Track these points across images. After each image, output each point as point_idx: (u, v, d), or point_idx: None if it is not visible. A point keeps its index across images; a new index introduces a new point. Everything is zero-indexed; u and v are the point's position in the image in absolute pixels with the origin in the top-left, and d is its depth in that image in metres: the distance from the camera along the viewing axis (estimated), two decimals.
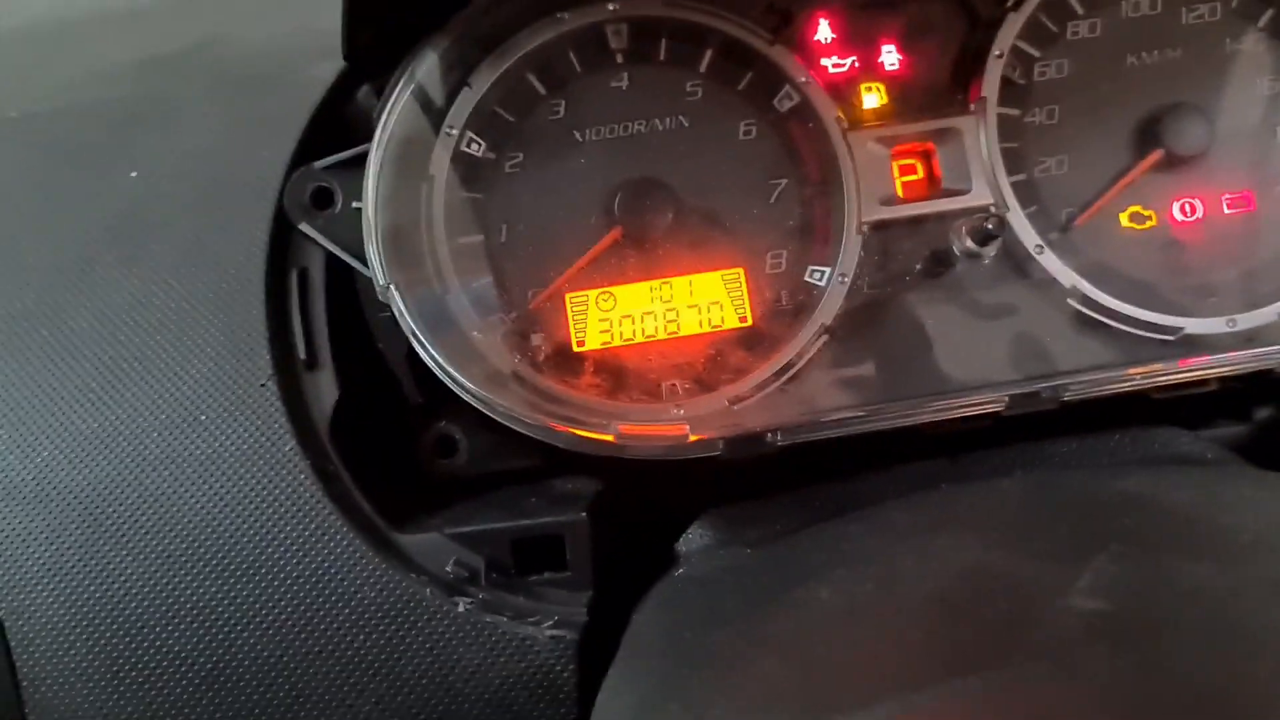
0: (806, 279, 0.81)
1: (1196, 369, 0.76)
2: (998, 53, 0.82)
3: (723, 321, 0.81)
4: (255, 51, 1.02)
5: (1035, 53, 0.84)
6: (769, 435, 0.70)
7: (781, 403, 0.76)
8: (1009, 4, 0.83)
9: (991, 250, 0.78)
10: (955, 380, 0.77)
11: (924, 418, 0.73)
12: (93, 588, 0.71)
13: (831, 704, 0.42)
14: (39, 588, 0.71)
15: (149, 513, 0.72)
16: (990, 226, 0.74)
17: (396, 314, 0.75)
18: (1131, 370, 0.76)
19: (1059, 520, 0.54)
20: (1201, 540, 0.50)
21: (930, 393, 0.76)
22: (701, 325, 0.81)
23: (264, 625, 0.70)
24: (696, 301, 0.81)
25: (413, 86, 0.79)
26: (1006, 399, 0.72)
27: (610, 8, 0.81)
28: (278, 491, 0.72)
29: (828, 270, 0.80)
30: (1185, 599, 0.44)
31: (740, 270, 0.81)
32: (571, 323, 0.80)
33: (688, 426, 0.69)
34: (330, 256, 0.81)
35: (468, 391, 0.73)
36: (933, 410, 0.73)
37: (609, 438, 0.70)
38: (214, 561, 0.71)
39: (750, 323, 0.81)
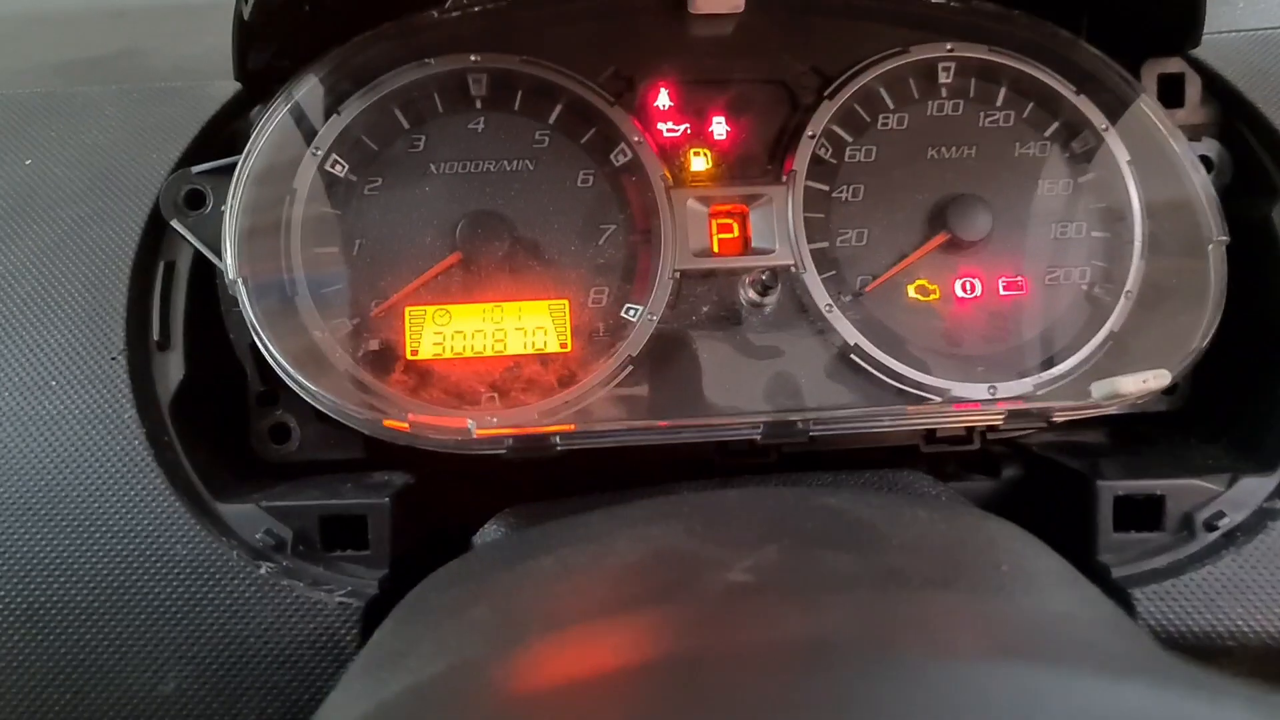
0: (622, 314, 0.91)
1: (952, 418, 0.86)
2: (811, 133, 0.94)
3: (545, 345, 0.90)
4: (168, 66, 1.11)
5: (847, 137, 0.96)
6: (553, 438, 0.79)
7: (573, 418, 0.85)
8: (826, 92, 0.95)
9: (771, 300, 0.88)
10: (724, 408, 0.87)
11: (687, 436, 0.83)
12: None
13: (505, 636, 0.50)
14: None
15: None
16: (765, 278, 0.84)
17: (241, 306, 0.83)
18: (877, 411, 0.86)
19: (757, 521, 0.63)
20: (860, 541, 0.59)
21: (699, 415, 0.85)
22: (526, 347, 0.90)
23: (80, 572, 0.77)
24: (524, 325, 0.90)
25: (289, 106, 0.89)
26: (763, 425, 0.81)
27: (472, 59, 0.92)
28: (111, 454, 0.79)
29: (641, 308, 0.90)
30: (815, 578, 0.53)
31: (565, 301, 0.91)
32: (408, 333, 0.89)
33: (469, 421, 0.77)
34: (198, 256, 0.89)
35: (296, 382, 0.81)
36: (696, 430, 0.83)
37: (404, 425, 0.78)
38: (43, 510, 0.78)
39: (569, 349, 0.90)
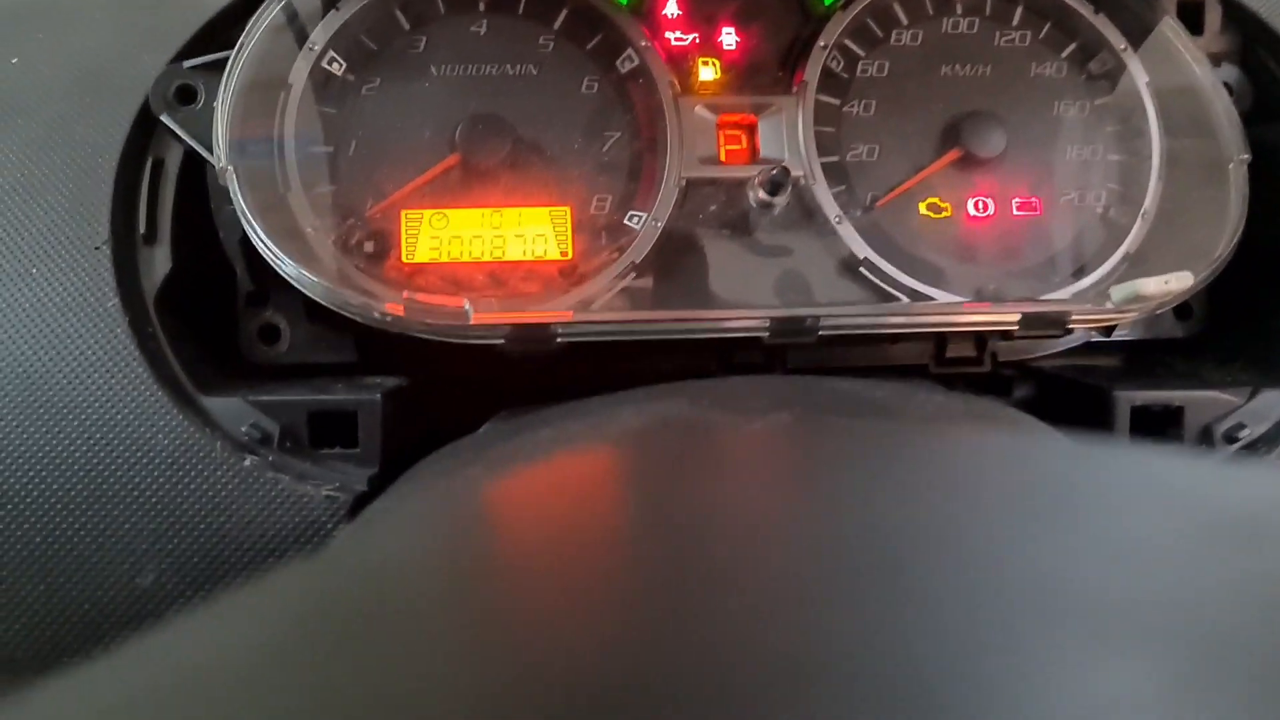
0: (625, 221, 0.88)
1: (965, 315, 0.83)
2: (823, 44, 0.91)
3: (545, 253, 0.87)
4: None
5: (860, 51, 0.93)
6: (553, 327, 0.76)
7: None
8: (839, 3, 0.92)
9: (781, 200, 0.85)
10: (732, 302, 0.84)
11: (692, 328, 0.80)
12: None
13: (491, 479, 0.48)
14: None
15: None
16: (775, 174, 0.81)
17: (232, 195, 0.80)
18: (889, 308, 0.83)
19: (767, 396, 0.61)
20: (868, 411, 0.56)
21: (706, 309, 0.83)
22: (525, 254, 0.87)
23: (58, 461, 0.74)
24: (523, 232, 0.88)
25: (284, 1, 0.86)
26: (770, 320, 0.79)
27: None
28: (93, 342, 0.76)
29: (645, 215, 0.87)
30: (824, 435, 0.50)
31: (568, 208, 0.88)
32: (404, 236, 0.86)
33: (466, 302, 0.74)
34: (189, 155, 0.86)
35: (288, 271, 0.78)
36: (702, 324, 0.80)
37: (399, 309, 0.75)
38: (20, 398, 0.75)
39: (570, 257, 0.87)
